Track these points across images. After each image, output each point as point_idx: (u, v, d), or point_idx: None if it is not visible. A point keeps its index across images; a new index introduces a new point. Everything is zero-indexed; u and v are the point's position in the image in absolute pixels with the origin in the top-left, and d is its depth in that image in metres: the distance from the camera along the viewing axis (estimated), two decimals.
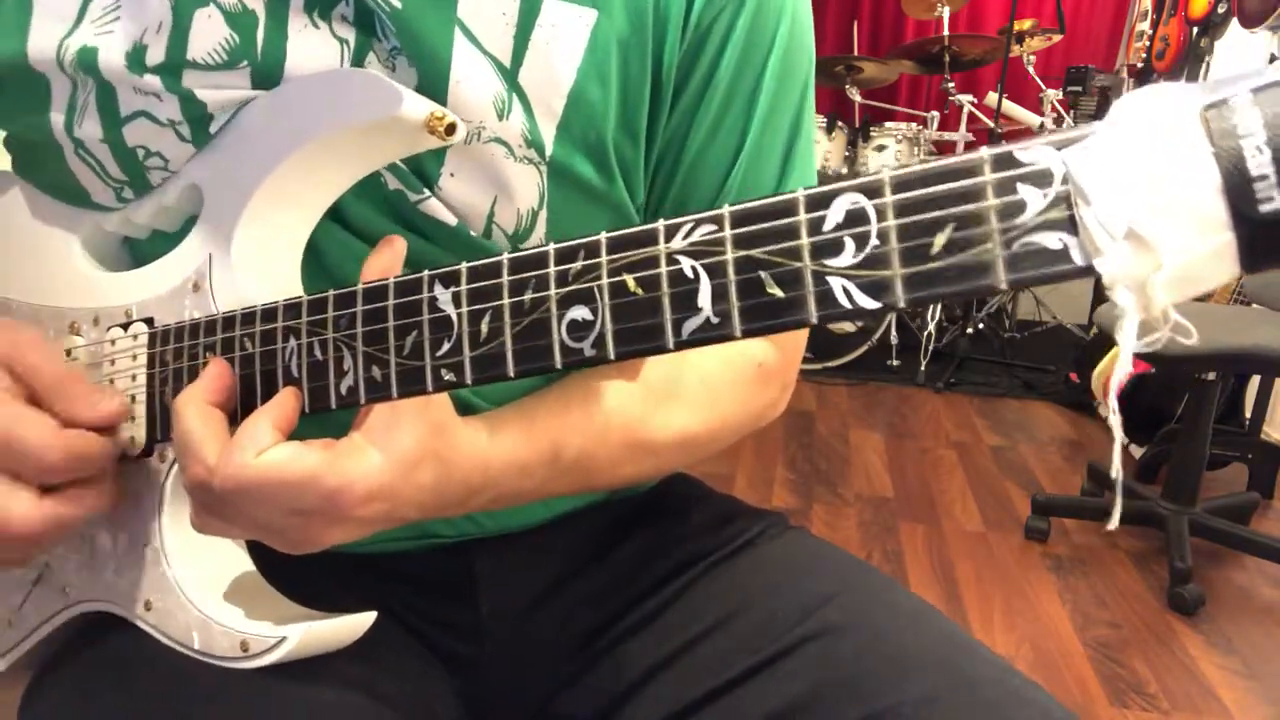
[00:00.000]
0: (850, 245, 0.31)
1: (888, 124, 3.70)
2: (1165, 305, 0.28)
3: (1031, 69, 3.60)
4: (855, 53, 4.06)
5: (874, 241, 0.31)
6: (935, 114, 3.66)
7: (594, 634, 0.62)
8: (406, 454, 0.43)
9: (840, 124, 3.61)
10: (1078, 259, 0.28)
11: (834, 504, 2.40)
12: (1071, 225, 0.28)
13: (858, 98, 3.72)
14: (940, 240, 0.30)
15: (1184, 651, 1.78)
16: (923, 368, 3.45)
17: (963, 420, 3.09)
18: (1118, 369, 0.29)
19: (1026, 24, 3.54)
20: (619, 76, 0.53)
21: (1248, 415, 2.63)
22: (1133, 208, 0.27)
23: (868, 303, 0.31)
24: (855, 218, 0.31)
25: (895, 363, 3.53)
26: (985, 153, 0.30)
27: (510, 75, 0.51)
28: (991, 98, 3.49)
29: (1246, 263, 0.27)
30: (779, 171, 0.61)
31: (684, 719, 0.57)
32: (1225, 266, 0.27)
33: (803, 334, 0.64)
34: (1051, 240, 0.28)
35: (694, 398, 0.58)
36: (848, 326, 3.51)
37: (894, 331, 3.51)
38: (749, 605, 0.59)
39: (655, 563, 0.64)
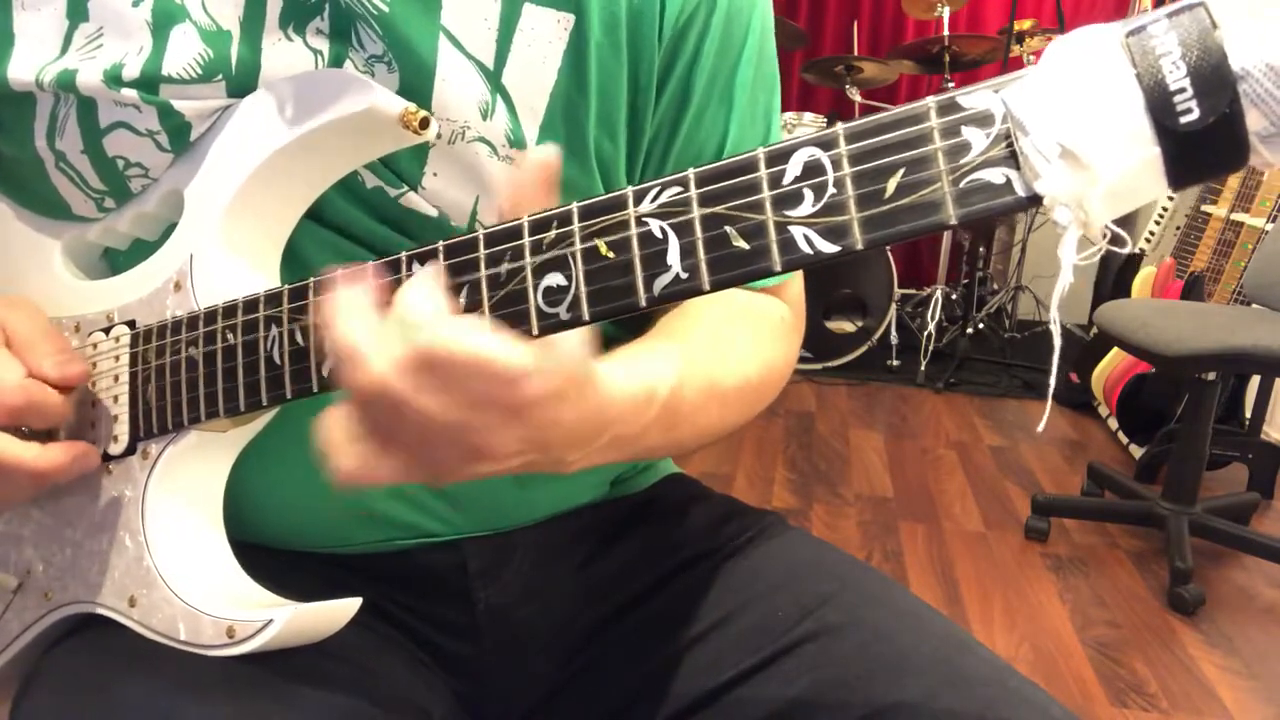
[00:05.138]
0: (809, 195, 0.34)
1: None
2: (1103, 221, 0.30)
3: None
4: (855, 53, 4.06)
5: (831, 190, 0.33)
6: None
7: (592, 634, 0.62)
8: (569, 352, 0.40)
9: (840, 124, 3.60)
10: (1020, 190, 0.31)
11: (834, 504, 2.40)
12: (1013, 160, 0.31)
13: (858, 98, 3.72)
14: (892, 184, 0.32)
15: (1184, 651, 1.78)
16: (923, 368, 3.44)
17: (963, 420, 3.09)
18: (1060, 279, 0.31)
19: (1026, 24, 3.54)
20: (597, 76, 0.54)
21: (1248, 415, 2.62)
22: (1066, 130, 0.29)
23: (828, 247, 0.34)
24: (813, 169, 0.34)
25: (895, 363, 3.52)
26: (931, 100, 0.32)
27: (494, 77, 0.52)
28: None
29: (1172, 176, 0.29)
30: None
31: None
32: (1155, 180, 0.29)
33: (803, 291, 0.67)
34: (996, 175, 0.31)
35: (750, 346, 0.59)
36: (848, 326, 3.51)
37: (894, 331, 3.51)
38: (748, 605, 0.59)
39: (653, 563, 0.64)
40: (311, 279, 0.45)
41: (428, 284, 0.38)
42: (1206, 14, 0.28)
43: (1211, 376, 1.96)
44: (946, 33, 3.50)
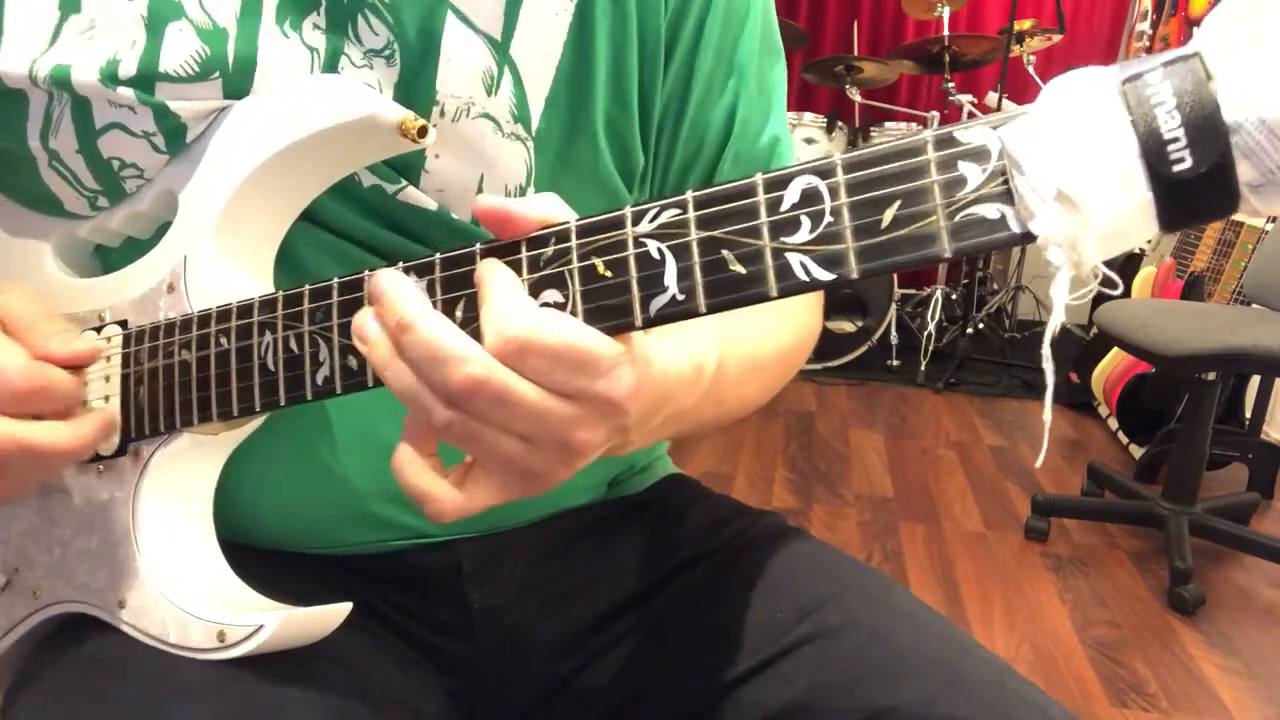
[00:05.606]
0: (806, 223, 0.34)
1: (888, 124, 3.70)
2: (1095, 262, 0.31)
3: (1031, 69, 3.60)
4: (855, 53, 4.06)
5: (828, 219, 0.34)
6: (935, 114, 3.66)
7: (589, 635, 0.62)
8: (641, 340, 0.40)
9: (840, 124, 3.61)
10: (1014, 227, 0.31)
11: (834, 504, 2.40)
12: (1008, 197, 0.31)
13: (858, 98, 3.72)
14: (889, 215, 0.33)
15: (1184, 651, 1.78)
16: (923, 368, 3.44)
17: (963, 420, 3.09)
18: (1052, 319, 0.32)
19: (1026, 24, 3.54)
20: (605, 47, 0.54)
21: (1248, 415, 2.62)
22: (1061, 172, 0.30)
23: (823, 275, 0.34)
24: (810, 197, 0.34)
25: (895, 363, 3.52)
26: (928, 134, 0.33)
27: (502, 48, 0.52)
28: (991, 98, 3.49)
29: (1164, 220, 0.30)
30: (767, 134, 0.63)
31: None
32: (1146, 224, 0.30)
33: None
34: (990, 211, 0.32)
35: (779, 316, 0.60)
36: (848, 326, 3.51)
37: (894, 331, 3.51)
38: (747, 607, 0.59)
39: (652, 563, 0.64)
40: (306, 285, 0.45)
41: (508, 280, 0.39)
42: (1201, 65, 0.29)
43: (1211, 376, 1.96)
44: (946, 33, 3.50)
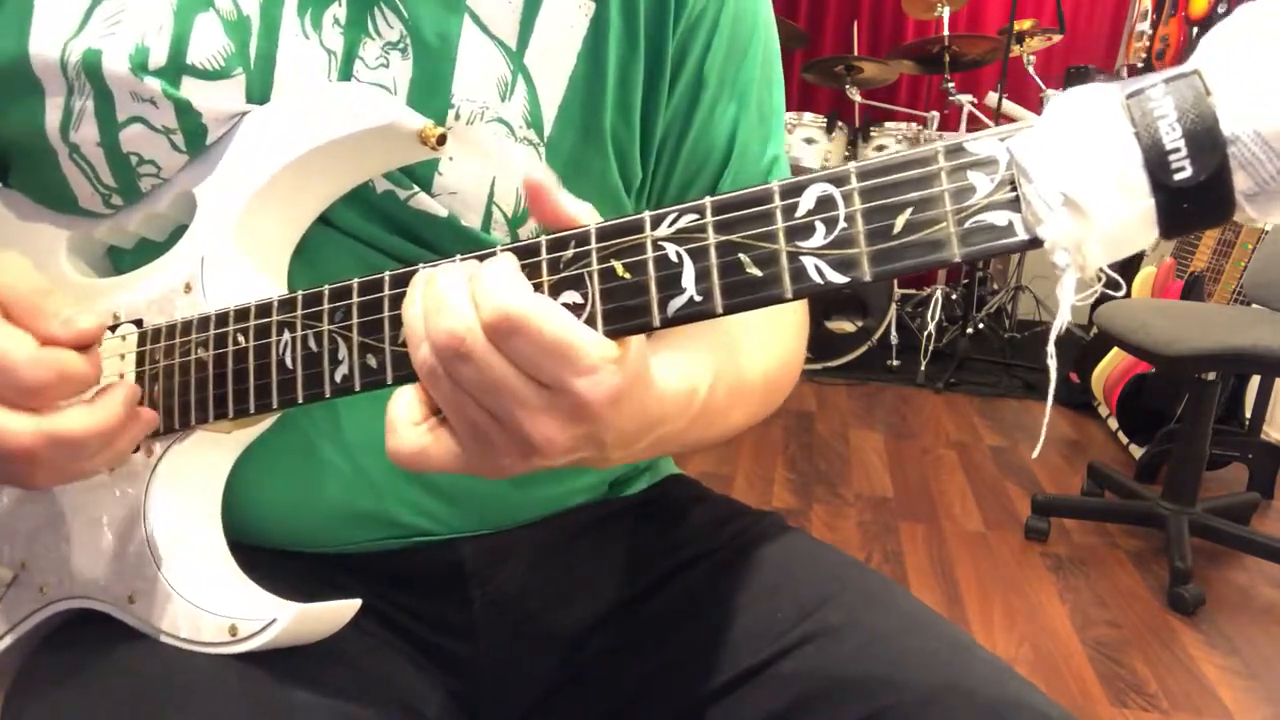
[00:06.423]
0: (821, 228, 0.35)
1: (888, 124, 3.70)
2: (1099, 265, 0.32)
3: (1031, 69, 3.60)
4: (855, 53, 4.06)
5: (842, 224, 0.35)
6: (935, 114, 3.66)
7: (589, 634, 0.62)
8: (637, 356, 0.40)
9: (840, 124, 3.61)
10: (1021, 232, 0.33)
11: (834, 504, 2.40)
12: (1015, 204, 0.33)
13: (858, 98, 3.72)
14: (901, 221, 0.34)
15: (1184, 651, 1.78)
16: (923, 368, 3.45)
17: (963, 420, 3.09)
18: (1058, 318, 0.34)
19: (1026, 24, 3.54)
20: (616, 61, 0.55)
21: (1248, 415, 2.62)
22: (1068, 180, 0.31)
23: (837, 278, 0.35)
24: (825, 204, 0.36)
25: (895, 363, 3.53)
26: (939, 144, 0.34)
27: (517, 56, 0.54)
28: (991, 98, 3.49)
29: (1165, 226, 0.31)
30: (766, 157, 0.64)
31: None
32: (1148, 229, 0.31)
33: None
34: (999, 218, 0.33)
35: (767, 341, 0.60)
36: (848, 326, 3.51)
37: (894, 331, 3.51)
38: (747, 607, 0.59)
39: (652, 563, 0.64)
40: (326, 286, 0.46)
41: (510, 264, 0.39)
42: (1201, 81, 0.30)
43: (1211, 376, 1.96)
44: (946, 33, 3.50)
